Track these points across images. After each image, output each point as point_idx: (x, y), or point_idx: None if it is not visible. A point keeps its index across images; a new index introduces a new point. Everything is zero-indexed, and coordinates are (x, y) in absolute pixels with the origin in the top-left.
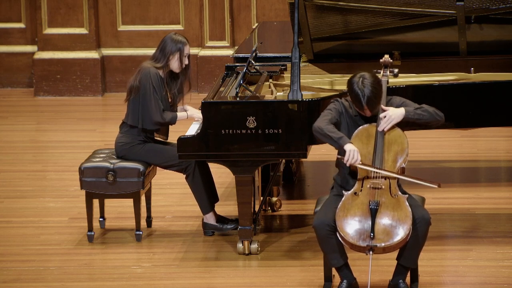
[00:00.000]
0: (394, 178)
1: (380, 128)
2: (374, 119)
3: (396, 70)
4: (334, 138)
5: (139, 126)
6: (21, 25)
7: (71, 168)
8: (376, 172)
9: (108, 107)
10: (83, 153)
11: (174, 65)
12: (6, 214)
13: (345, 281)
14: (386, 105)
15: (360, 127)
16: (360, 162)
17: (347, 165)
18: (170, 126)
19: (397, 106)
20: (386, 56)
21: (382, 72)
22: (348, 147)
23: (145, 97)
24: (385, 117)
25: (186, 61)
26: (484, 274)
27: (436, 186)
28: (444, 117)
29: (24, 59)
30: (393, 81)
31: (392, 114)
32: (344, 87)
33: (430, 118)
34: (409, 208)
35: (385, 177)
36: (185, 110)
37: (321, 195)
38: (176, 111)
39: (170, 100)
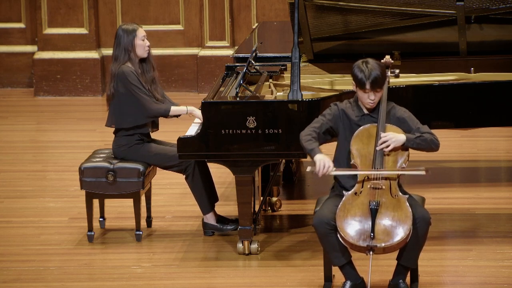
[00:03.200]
0: (388, 176)
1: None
2: (375, 120)
3: (397, 71)
4: (307, 150)
5: (129, 125)
6: (21, 25)
7: (71, 168)
8: (372, 174)
9: None
10: (83, 153)
11: (138, 53)
12: (6, 214)
13: (348, 281)
14: (388, 113)
15: (361, 127)
16: (334, 169)
17: (319, 175)
18: (165, 119)
19: (399, 118)
20: (387, 57)
21: None
22: (317, 157)
23: (132, 98)
24: (385, 137)
25: (147, 43)
26: (484, 274)
27: (423, 173)
28: (439, 145)
29: (24, 59)
30: (393, 81)
31: (394, 137)
32: (344, 87)
33: (426, 147)
34: (410, 209)
35: (386, 178)
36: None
37: (321, 195)
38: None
39: (149, 87)
